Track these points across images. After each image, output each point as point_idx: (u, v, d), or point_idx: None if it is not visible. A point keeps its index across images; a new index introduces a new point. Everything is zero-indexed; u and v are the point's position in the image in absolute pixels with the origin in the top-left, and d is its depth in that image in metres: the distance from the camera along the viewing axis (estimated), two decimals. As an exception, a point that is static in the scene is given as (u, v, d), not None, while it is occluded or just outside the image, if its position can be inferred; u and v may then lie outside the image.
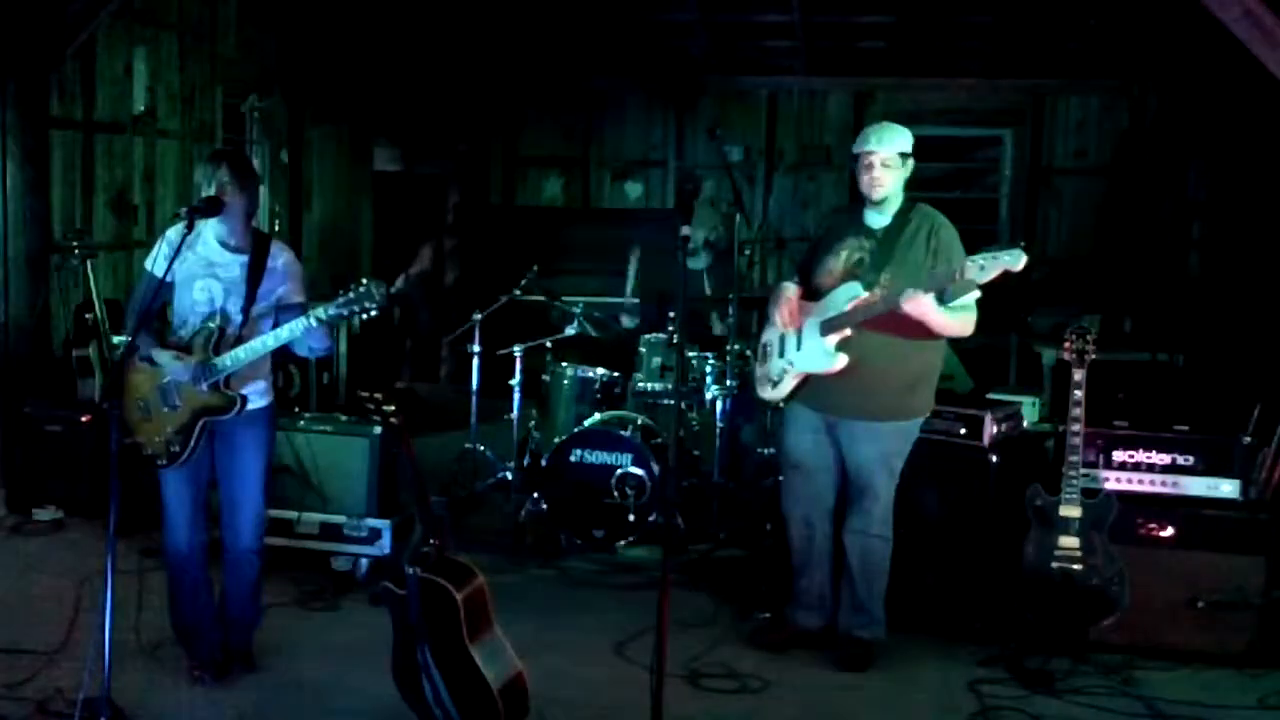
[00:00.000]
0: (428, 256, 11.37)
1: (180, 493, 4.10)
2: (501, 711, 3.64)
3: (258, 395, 4.10)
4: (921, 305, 4.07)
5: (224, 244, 4.04)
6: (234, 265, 4.02)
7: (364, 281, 3.80)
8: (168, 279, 3.95)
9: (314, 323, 3.85)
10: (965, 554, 4.73)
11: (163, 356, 3.98)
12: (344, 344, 8.53)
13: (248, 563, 4.20)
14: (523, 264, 6.74)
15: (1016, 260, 3.85)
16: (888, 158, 4.32)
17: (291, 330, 3.88)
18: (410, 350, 10.62)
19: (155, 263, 4.01)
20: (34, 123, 6.28)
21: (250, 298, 3.99)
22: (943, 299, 4.21)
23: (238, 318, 3.99)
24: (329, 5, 9.36)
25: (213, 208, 3.92)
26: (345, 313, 3.81)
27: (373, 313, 3.80)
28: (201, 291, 4.02)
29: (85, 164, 6.91)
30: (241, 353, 3.92)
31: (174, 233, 3.96)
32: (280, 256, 4.08)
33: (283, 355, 4.26)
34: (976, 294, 4.22)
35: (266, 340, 3.91)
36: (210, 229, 4.03)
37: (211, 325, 3.97)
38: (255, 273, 4.00)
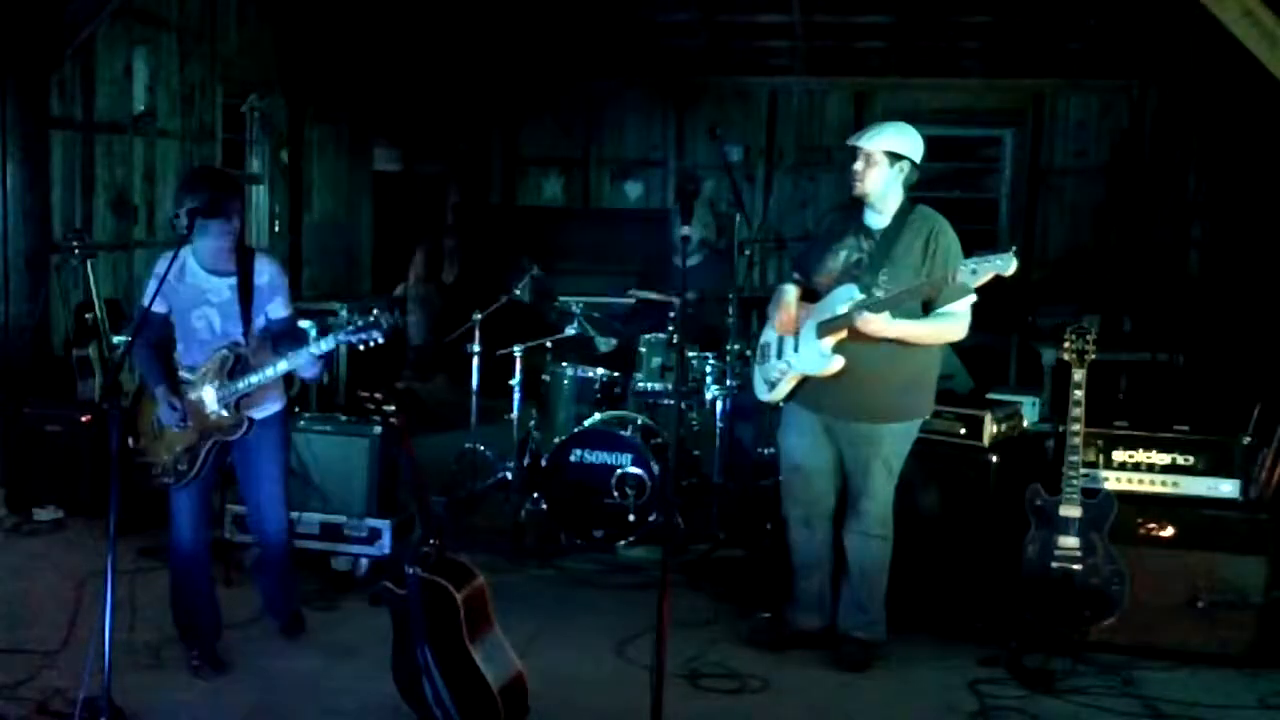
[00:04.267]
0: (420, 262, 11.41)
1: (185, 497, 4.20)
2: (501, 711, 3.64)
3: (270, 402, 4.25)
4: (871, 325, 4.12)
5: (212, 270, 4.10)
6: (223, 288, 4.10)
7: (374, 311, 3.88)
8: (163, 310, 4.10)
9: (318, 352, 3.97)
10: (965, 554, 4.73)
11: (165, 404, 4.12)
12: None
13: (278, 550, 4.46)
14: (523, 264, 6.73)
15: (1007, 265, 3.85)
16: (872, 154, 4.32)
17: (295, 359, 4.01)
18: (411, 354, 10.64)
19: (153, 299, 4.03)
20: (34, 123, 6.28)
21: (246, 318, 4.10)
22: (934, 305, 4.22)
23: (242, 339, 4.11)
24: (329, 5, 9.36)
25: (213, 207, 3.94)
26: (353, 340, 3.88)
27: (379, 341, 3.87)
28: (200, 320, 4.12)
29: (85, 164, 6.91)
30: (254, 377, 4.05)
31: (162, 265, 4.04)
32: (265, 272, 4.14)
33: None
34: (972, 298, 4.22)
35: (278, 365, 4.04)
36: (194, 258, 4.10)
37: (226, 353, 4.08)
38: (245, 292, 4.08)
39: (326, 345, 3.98)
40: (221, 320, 4.09)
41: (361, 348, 3.89)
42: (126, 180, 7.32)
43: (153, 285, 4.02)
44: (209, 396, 4.08)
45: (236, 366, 4.06)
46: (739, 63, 10.19)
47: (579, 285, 8.54)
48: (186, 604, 4.31)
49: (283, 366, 4.05)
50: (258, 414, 4.19)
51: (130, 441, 4.21)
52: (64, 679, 4.06)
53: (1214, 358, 7.96)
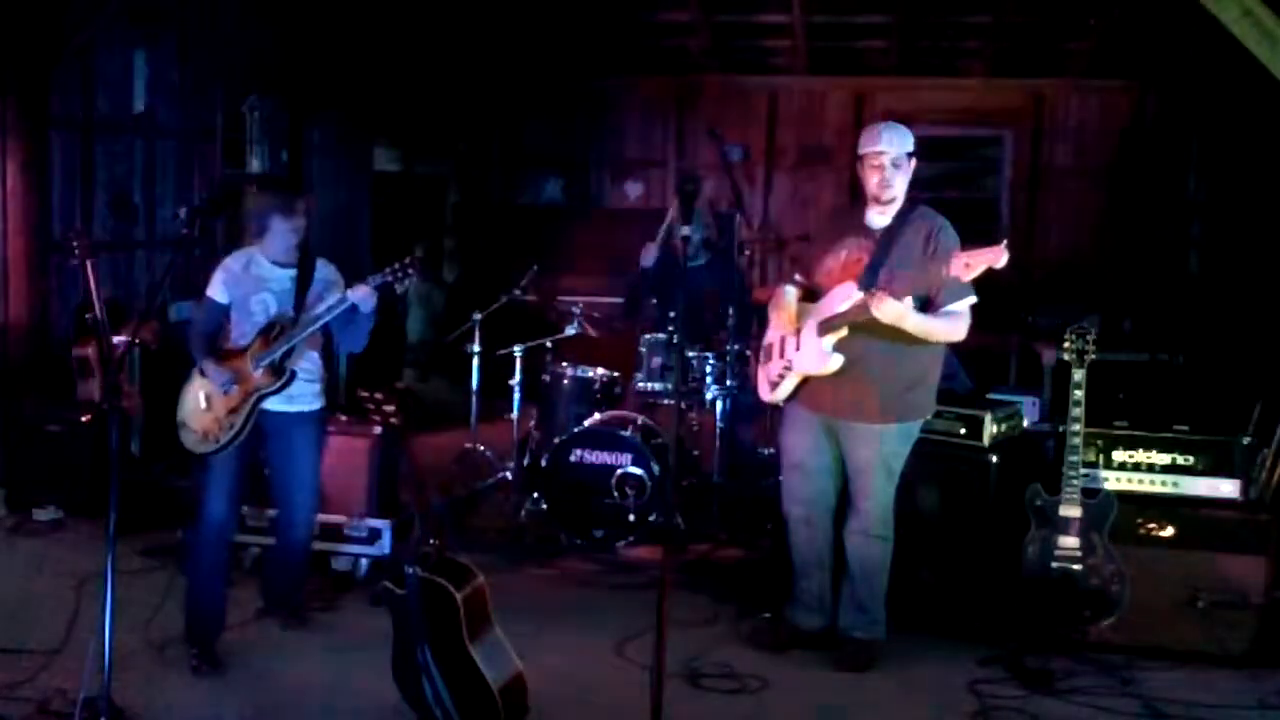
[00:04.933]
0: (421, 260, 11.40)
1: (223, 471, 4.40)
2: (501, 711, 3.64)
3: (313, 398, 4.56)
4: (889, 311, 4.05)
5: (276, 262, 4.47)
6: (284, 279, 4.48)
7: (406, 259, 4.29)
8: (225, 301, 4.48)
9: (360, 292, 4.28)
10: (965, 554, 4.73)
11: (213, 369, 4.42)
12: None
13: (298, 557, 4.69)
14: (523, 264, 6.73)
15: (999, 258, 3.85)
16: (897, 158, 4.30)
17: (338, 304, 4.32)
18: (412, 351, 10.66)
19: (216, 290, 4.49)
20: (34, 123, 6.27)
21: (300, 303, 4.44)
22: (934, 303, 4.21)
23: (292, 316, 4.43)
24: (329, 5, 9.36)
25: (213, 207, 4.04)
26: (389, 279, 4.27)
27: (413, 281, 4.31)
28: (258, 304, 4.45)
29: (85, 164, 6.91)
30: (297, 330, 4.36)
31: (233, 261, 4.53)
32: (325, 269, 4.56)
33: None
34: (972, 299, 4.21)
35: (319, 314, 4.35)
36: (261, 253, 4.50)
37: (274, 322, 4.40)
38: (303, 282, 4.47)
39: (368, 284, 4.28)
40: (278, 306, 4.44)
41: (398, 289, 4.29)
42: (126, 180, 7.32)
43: (224, 277, 4.47)
44: (254, 358, 4.37)
45: (279, 330, 4.38)
46: (739, 63, 10.18)
47: (579, 285, 8.55)
48: (201, 591, 4.39)
49: (321, 312, 4.34)
50: (298, 407, 4.47)
51: (186, 441, 4.47)
52: (64, 679, 4.06)
53: (1214, 358, 7.95)
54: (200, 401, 4.44)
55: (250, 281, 4.47)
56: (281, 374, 4.38)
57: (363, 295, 4.30)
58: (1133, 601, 4.41)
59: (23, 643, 4.40)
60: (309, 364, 4.52)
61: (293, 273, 4.49)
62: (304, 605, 4.81)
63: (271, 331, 4.39)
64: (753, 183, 10.21)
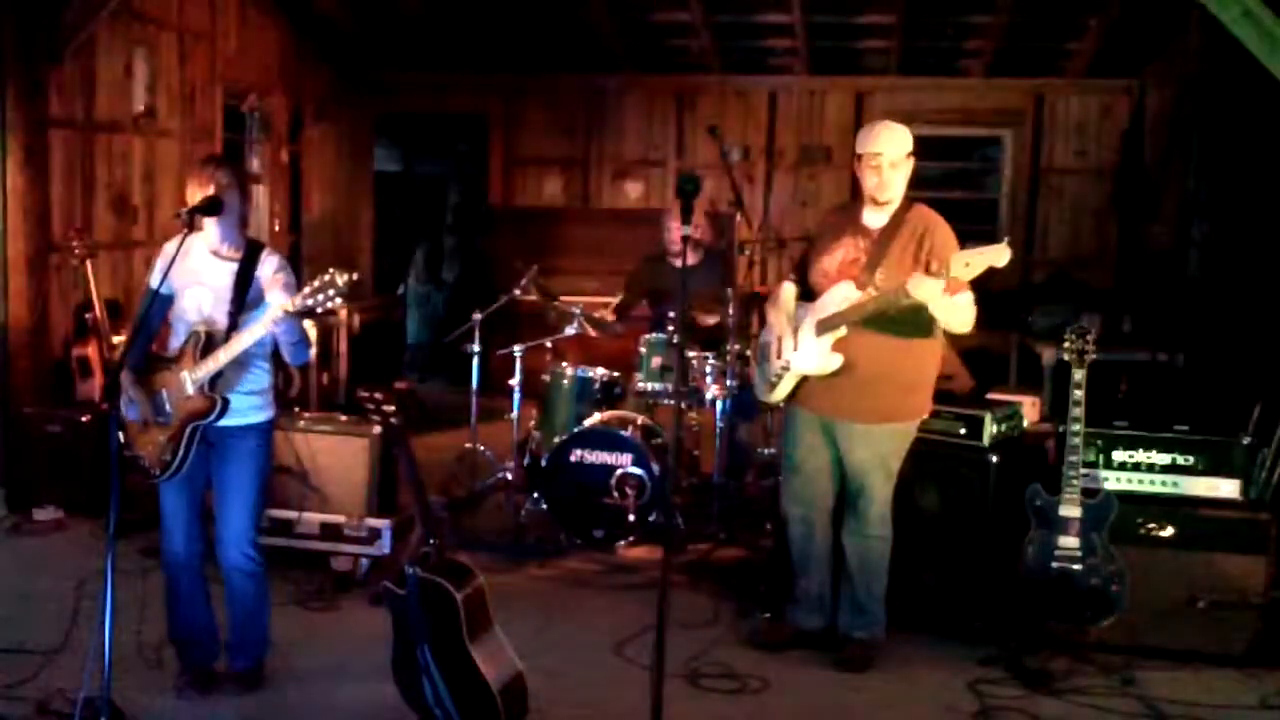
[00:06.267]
0: (420, 262, 11.43)
1: (176, 501, 4.05)
2: (501, 711, 3.64)
3: (254, 410, 4.03)
4: (926, 289, 4.01)
5: (215, 253, 3.99)
6: (223, 273, 3.97)
7: (329, 271, 3.72)
8: (166, 291, 4.00)
9: (279, 311, 3.74)
10: (965, 554, 4.73)
11: (137, 398, 3.96)
12: (344, 344, 8.54)
13: (237, 580, 4.09)
14: (523, 264, 6.73)
15: (1001, 256, 3.85)
16: (895, 158, 4.30)
17: (260, 322, 3.79)
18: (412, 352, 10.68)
19: (155, 276, 4.00)
20: (34, 123, 6.27)
21: (237, 304, 3.91)
22: None
23: (224, 324, 3.92)
24: (329, 4, 9.36)
25: (213, 207, 3.90)
26: (310, 303, 3.68)
27: (336, 301, 3.68)
28: (190, 300, 3.98)
29: (85, 164, 6.91)
30: (221, 354, 3.85)
31: (170, 246, 3.96)
32: (269, 263, 3.99)
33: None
34: (969, 295, 4.21)
35: (242, 337, 3.82)
36: (202, 240, 3.97)
37: (199, 332, 3.93)
38: (243, 280, 3.93)
39: (288, 304, 3.73)
40: (212, 303, 3.94)
41: (320, 310, 3.71)
42: (126, 180, 7.32)
43: (160, 264, 3.95)
44: (185, 380, 3.89)
45: (206, 345, 3.87)
46: (739, 63, 10.18)
47: (578, 285, 8.56)
48: (179, 615, 4.15)
49: (245, 338, 3.80)
50: (236, 421, 3.97)
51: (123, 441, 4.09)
52: (64, 679, 4.06)
53: (1214, 358, 7.95)
54: (138, 423, 4.00)
55: (186, 272, 3.95)
56: (214, 405, 3.86)
57: (271, 320, 3.75)
58: (1133, 601, 4.41)
59: (23, 643, 4.40)
60: (251, 373, 4.00)
61: (233, 267, 3.93)
62: (262, 660, 4.22)
63: (197, 345, 3.88)
64: (753, 183, 10.21)
